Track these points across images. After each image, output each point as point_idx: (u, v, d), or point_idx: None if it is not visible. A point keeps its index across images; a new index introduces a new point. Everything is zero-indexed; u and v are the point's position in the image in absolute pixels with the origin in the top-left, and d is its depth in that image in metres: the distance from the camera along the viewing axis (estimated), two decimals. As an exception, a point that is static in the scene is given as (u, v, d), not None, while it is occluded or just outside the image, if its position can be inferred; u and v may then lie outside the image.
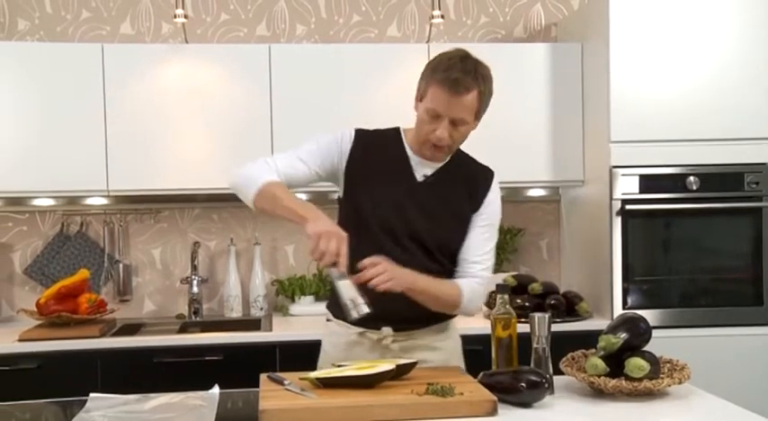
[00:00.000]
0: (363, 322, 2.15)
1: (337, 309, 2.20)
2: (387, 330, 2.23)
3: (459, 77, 2.06)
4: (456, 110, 2.09)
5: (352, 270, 1.99)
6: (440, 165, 2.24)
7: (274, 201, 2.08)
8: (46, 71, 3.37)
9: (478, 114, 2.14)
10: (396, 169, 2.22)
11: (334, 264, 1.95)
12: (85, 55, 3.40)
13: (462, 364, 2.36)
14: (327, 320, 2.37)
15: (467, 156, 2.29)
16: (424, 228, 2.19)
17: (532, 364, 2.07)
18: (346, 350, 2.27)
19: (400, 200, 2.19)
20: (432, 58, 2.18)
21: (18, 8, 3.75)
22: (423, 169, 2.22)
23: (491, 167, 2.31)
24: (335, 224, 2.02)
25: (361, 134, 2.24)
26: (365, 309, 1.95)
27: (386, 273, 1.99)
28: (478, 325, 3.28)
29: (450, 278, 2.23)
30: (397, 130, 2.28)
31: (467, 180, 2.25)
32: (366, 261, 2.00)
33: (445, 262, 2.23)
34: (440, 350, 2.30)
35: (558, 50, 3.64)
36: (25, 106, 3.37)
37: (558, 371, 2.10)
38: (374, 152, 2.22)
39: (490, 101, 2.16)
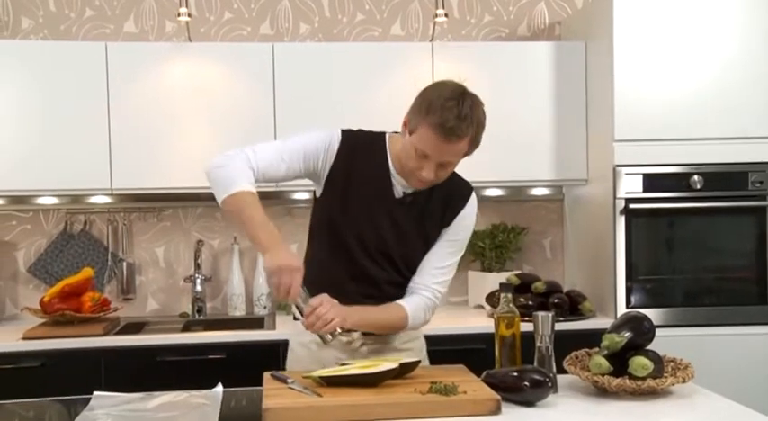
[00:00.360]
0: None
1: None
2: (356, 334, 2.22)
3: (454, 125, 1.96)
4: (446, 155, 2.03)
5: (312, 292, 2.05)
6: None
7: (241, 214, 2.05)
8: (49, 70, 3.37)
9: (467, 154, 2.09)
10: (376, 181, 2.18)
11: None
12: (89, 53, 3.40)
13: (427, 363, 2.36)
14: (294, 318, 2.35)
15: None
16: (394, 244, 2.19)
17: (536, 363, 2.07)
18: (315, 350, 2.25)
19: (376, 215, 2.17)
20: (425, 89, 2.08)
21: (22, 7, 3.76)
22: (402, 186, 2.18)
23: (470, 183, 2.27)
24: (292, 253, 2.02)
25: (347, 138, 2.18)
26: (328, 338, 2.04)
27: (328, 313, 2.00)
28: (482, 323, 3.30)
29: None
30: (382, 138, 2.22)
31: (443, 197, 2.20)
32: (314, 301, 2.01)
33: (410, 276, 2.25)
34: (408, 351, 2.30)
35: (561, 49, 3.64)
36: (29, 105, 3.37)
37: (561, 370, 2.10)
38: (358, 160, 2.17)
39: (482, 137, 2.08)
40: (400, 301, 2.21)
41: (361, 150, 2.19)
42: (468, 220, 2.26)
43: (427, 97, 2.03)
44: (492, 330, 2.20)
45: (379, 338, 2.25)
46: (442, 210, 2.21)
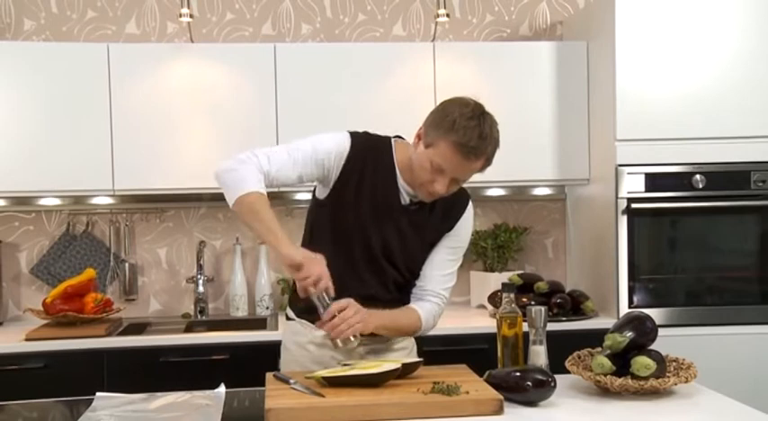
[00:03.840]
0: None
1: (299, 309, 2.26)
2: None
3: (476, 145, 1.99)
4: (464, 172, 2.07)
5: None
6: None
7: (253, 214, 2.04)
8: (52, 71, 3.38)
9: (479, 172, 2.11)
10: (384, 188, 2.17)
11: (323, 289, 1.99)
12: (91, 54, 3.40)
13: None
14: (288, 319, 2.37)
15: None
16: (398, 250, 2.20)
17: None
18: (312, 350, 2.27)
19: (383, 221, 2.18)
20: (445, 104, 2.08)
21: (24, 8, 3.76)
22: (408, 193, 2.19)
23: (466, 190, 2.29)
24: (307, 252, 2.02)
25: (356, 142, 2.17)
26: (353, 344, 2.02)
27: (353, 317, 2.00)
28: (484, 324, 3.30)
29: (411, 293, 2.28)
30: (388, 144, 2.22)
31: (445, 204, 2.22)
32: (335, 307, 2.00)
33: (409, 276, 2.27)
34: (402, 350, 2.34)
35: (563, 49, 3.64)
36: (31, 106, 3.37)
37: (563, 370, 2.10)
38: (367, 166, 2.17)
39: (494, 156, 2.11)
40: (413, 306, 2.24)
41: (370, 156, 2.18)
42: (468, 226, 2.30)
43: (448, 114, 2.03)
44: (494, 330, 2.20)
45: (375, 339, 2.25)
46: (445, 217, 2.24)
